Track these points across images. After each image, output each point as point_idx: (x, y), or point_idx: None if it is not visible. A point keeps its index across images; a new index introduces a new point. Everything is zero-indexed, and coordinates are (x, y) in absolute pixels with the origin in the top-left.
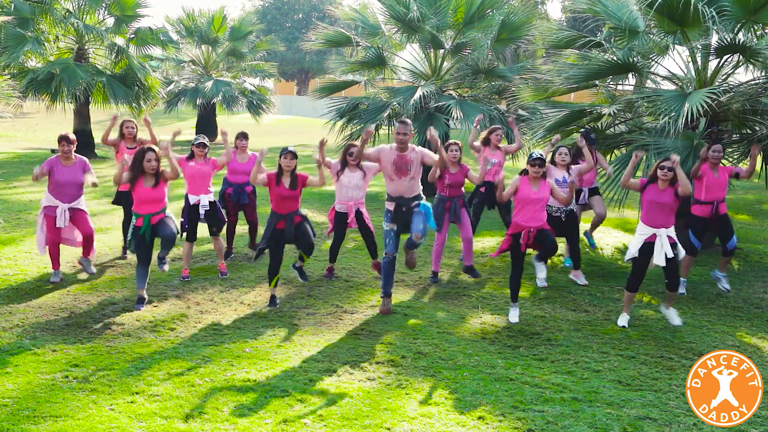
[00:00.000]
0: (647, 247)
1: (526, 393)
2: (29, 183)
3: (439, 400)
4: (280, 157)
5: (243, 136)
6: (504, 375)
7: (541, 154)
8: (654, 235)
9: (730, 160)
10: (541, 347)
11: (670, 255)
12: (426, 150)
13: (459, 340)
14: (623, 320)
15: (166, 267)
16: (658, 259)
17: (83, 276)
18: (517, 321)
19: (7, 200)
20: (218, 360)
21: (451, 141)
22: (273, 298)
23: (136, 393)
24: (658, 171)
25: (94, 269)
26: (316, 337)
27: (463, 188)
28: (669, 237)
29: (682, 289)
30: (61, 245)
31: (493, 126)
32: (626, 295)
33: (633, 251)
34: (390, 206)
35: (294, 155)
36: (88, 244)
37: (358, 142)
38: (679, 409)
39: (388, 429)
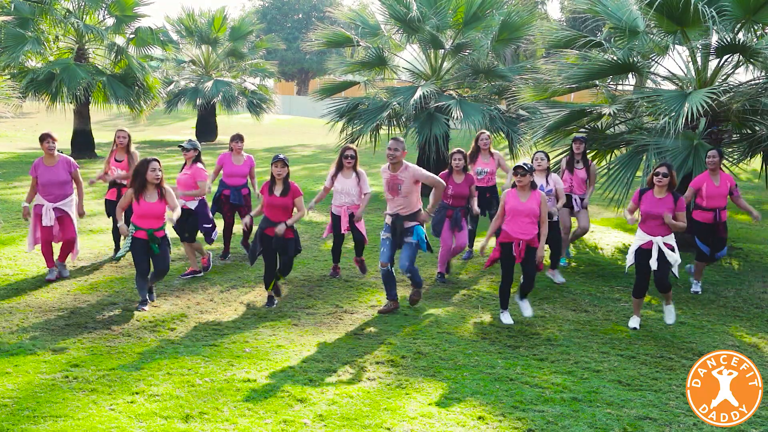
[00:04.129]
0: (645, 253)
1: (526, 393)
2: (29, 183)
3: (439, 400)
4: (271, 165)
5: (238, 137)
6: (504, 375)
7: (525, 163)
8: (650, 242)
9: (730, 160)
10: (541, 347)
11: (655, 267)
12: (418, 170)
13: (459, 340)
14: (634, 322)
15: (147, 307)
16: (653, 263)
17: (83, 276)
18: (512, 322)
19: (7, 200)
20: (218, 360)
21: (454, 150)
22: (270, 298)
23: (136, 393)
24: (654, 177)
25: (68, 272)
26: (316, 337)
27: (468, 199)
28: (667, 244)
29: (697, 288)
30: (53, 244)
31: (478, 133)
32: (633, 301)
33: (630, 258)
34: (388, 220)
35: (284, 163)
36: (67, 248)
37: (353, 145)
38: (679, 409)
39: (388, 429)
